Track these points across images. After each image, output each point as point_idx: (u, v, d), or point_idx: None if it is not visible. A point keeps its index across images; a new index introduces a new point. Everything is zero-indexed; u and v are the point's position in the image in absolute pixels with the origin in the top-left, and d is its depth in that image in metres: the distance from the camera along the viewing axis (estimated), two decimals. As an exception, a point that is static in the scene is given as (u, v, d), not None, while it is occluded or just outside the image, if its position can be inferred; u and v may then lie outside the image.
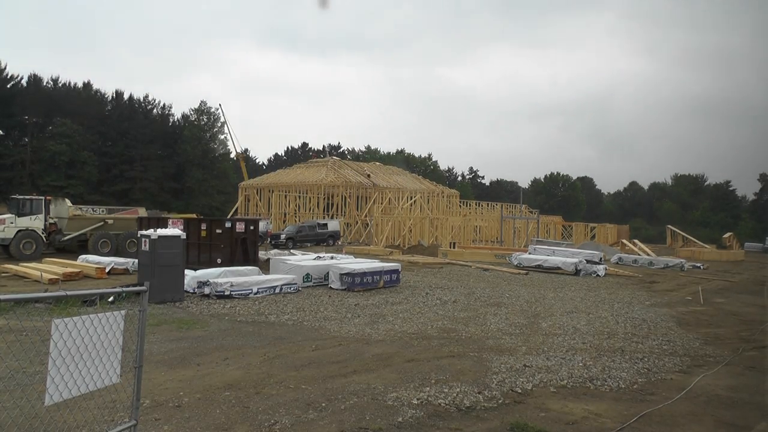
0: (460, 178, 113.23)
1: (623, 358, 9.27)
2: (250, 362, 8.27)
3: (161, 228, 15.46)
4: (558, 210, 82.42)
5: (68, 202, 27.12)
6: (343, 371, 7.91)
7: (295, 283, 16.12)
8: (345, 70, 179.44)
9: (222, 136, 78.10)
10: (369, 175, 55.09)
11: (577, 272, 23.83)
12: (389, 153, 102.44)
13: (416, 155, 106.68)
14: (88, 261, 20.14)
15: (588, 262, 25.38)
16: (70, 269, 17.67)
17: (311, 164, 59.46)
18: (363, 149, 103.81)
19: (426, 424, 5.92)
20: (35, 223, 23.92)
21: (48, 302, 11.46)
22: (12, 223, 23.25)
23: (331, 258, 19.91)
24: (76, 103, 66.42)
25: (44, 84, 67.55)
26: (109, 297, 12.01)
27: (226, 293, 14.32)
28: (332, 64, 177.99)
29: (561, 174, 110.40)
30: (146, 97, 75.22)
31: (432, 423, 5.97)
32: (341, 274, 16.72)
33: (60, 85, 69.65)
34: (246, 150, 42.33)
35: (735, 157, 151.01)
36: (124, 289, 5.31)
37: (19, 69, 79.62)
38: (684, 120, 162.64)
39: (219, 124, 77.77)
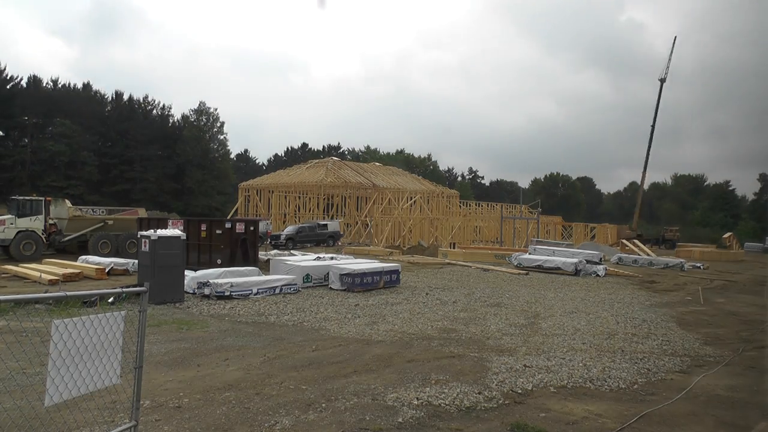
0: (459, 179, 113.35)
1: (623, 358, 9.27)
2: (251, 363, 8.27)
3: (161, 229, 15.46)
4: (558, 210, 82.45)
5: (68, 202, 27.10)
6: (343, 372, 7.91)
7: (295, 284, 16.12)
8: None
9: (222, 137, 78.16)
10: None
11: (577, 272, 23.83)
12: (389, 153, 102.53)
13: (416, 155, 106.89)
14: (88, 262, 20.14)
15: (588, 262, 25.37)
16: (70, 270, 17.65)
17: (311, 165, 59.48)
18: (363, 149, 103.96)
19: (426, 425, 5.92)
20: (35, 224, 23.92)
21: (48, 303, 11.46)
22: (12, 224, 23.25)
23: (331, 258, 19.92)
24: (76, 103, 66.45)
25: (44, 84, 67.66)
26: (109, 298, 12.01)
27: (226, 294, 14.32)
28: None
29: (561, 174, 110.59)
30: (146, 97, 75.51)
31: (432, 423, 5.96)
32: (341, 275, 16.72)
33: (60, 85, 69.79)
34: None
35: (735, 157, 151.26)
36: (124, 289, 5.32)
37: (19, 69, 79.74)
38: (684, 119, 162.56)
39: (218, 125, 77.91)
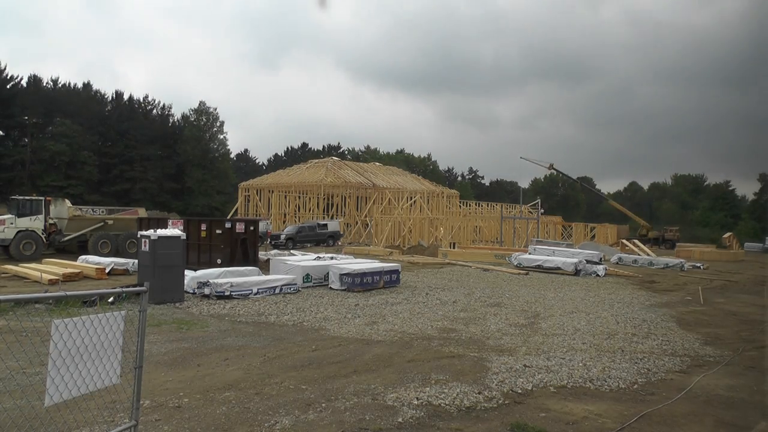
0: (459, 179, 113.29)
1: (623, 358, 9.27)
2: (250, 363, 8.27)
3: (161, 228, 15.46)
4: (558, 210, 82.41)
5: (68, 202, 27.12)
6: (343, 371, 7.91)
7: (295, 284, 16.12)
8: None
9: (221, 136, 78.13)
10: None
11: (577, 272, 23.82)
12: (389, 153, 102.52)
13: (416, 155, 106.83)
14: (88, 261, 20.14)
15: (588, 262, 25.36)
16: (70, 270, 17.66)
17: (311, 165, 59.53)
18: (363, 149, 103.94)
19: (426, 425, 5.92)
20: (35, 223, 23.93)
21: (48, 303, 11.46)
22: (12, 223, 23.25)
23: (331, 258, 19.91)
24: (76, 103, 66.45)
25: (44, 84, 67.62)
26: (109, 297, 12.01)
27: (226, 294, 14.32)
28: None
29: (561, 174, 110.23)
30: (146, 97, 75.50)
31: (432, 423, 5.96)
32: (341, 275, 16.72)
33: (60, 85, 69.75)
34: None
35: (735, 157, 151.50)
36: (124, 289, 5.33)
37: (19, 69, 79.71)
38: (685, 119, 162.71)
39: (218, 124, 77.93)
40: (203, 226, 20.99)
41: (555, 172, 69.57)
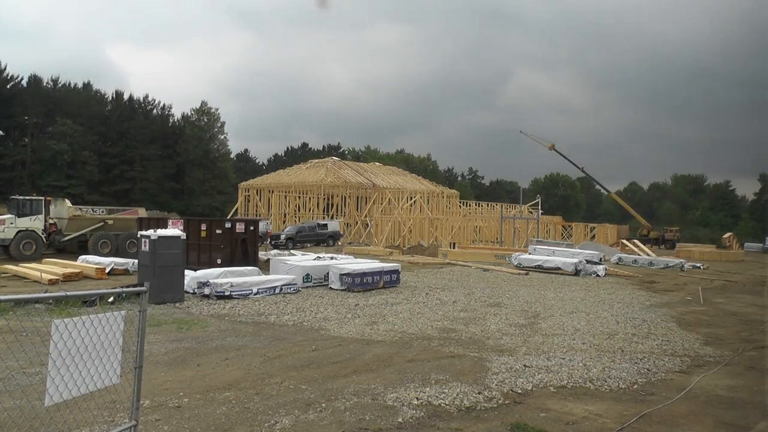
0: (459, 178, 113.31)
1: (623, 358, 9.27)
2: (250, 363, 8.27)
3: (161, 228, 15.46)
4: (558, 210, 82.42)
5: (68, 202, 27.11)
6: (343, 371, 7.91)
7: (295, 284, 16.12)
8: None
9: (222, 136, 78.14)
10: None
11: (577, 272, 23.82)
12: (389, 153, 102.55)
13: (416, 155, 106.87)
14: (88, 261, 20.13)
15: (588, 262, 25.36)
16: (70, 270, 17.65)
17: (311, 165, 59.53)
18: (363, 149, 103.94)
19: (426, 425, 5.92)
20: (35, 223, 23.93)
21: (48, 303, 11.46)
22: (12, 223, 23.25)
23: (331, 258, 19.91)
24: (76, 103, 66.43)
25: (44, 84, 67.58)
26: (109, 297, 12.01)
27: (226, 294, 14.32)
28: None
29: (560, 174, 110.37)
30: (146, 97, 75.40)
31: (432, 423, 5.97)
32: (341, 275, 16.72)
33: (60, 85, 69.70)
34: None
35: (735, 157, 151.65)
36: (124, 289, 5.33)
37: (19, 69, 79.62)
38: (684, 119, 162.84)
39: (219, 125, 77.92)
40: (203, 226, 20.99)
41: (557, 153, 68.36)
